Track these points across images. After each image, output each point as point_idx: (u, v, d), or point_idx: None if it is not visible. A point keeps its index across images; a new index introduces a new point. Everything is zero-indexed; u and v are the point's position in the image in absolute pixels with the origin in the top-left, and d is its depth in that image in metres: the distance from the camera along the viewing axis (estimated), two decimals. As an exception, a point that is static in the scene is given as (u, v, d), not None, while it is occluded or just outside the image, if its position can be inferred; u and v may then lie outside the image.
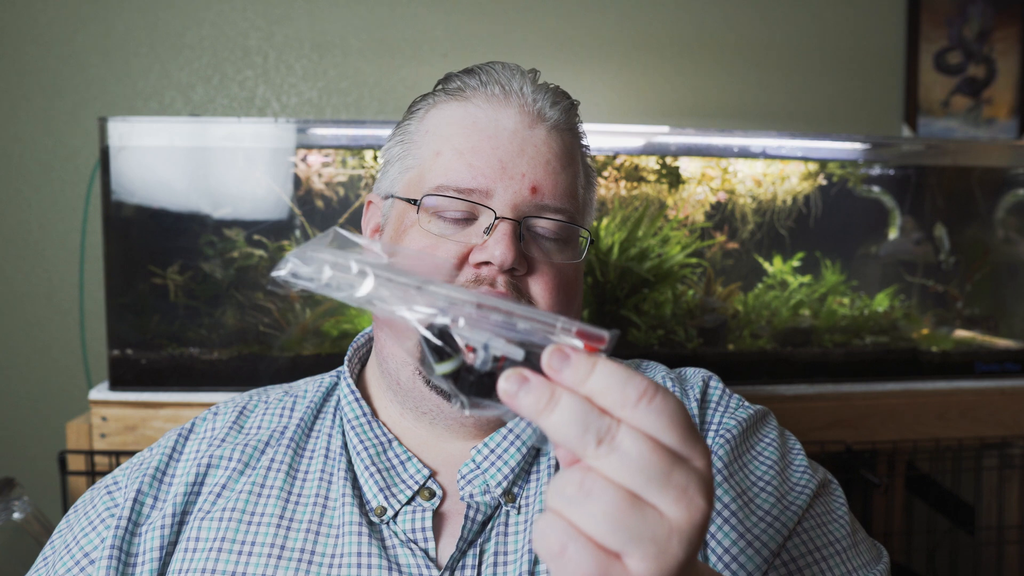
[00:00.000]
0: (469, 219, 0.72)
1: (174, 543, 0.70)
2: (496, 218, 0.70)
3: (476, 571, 0.66)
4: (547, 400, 0.38)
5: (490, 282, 0.70)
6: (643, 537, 0.37)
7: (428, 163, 0.74)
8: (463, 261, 0.71)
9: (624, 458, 0.37)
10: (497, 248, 0.69)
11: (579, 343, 0.40)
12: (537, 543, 0.38)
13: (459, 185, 0.72)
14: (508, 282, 0.70)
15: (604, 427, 0.38)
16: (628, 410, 0.38)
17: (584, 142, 0.82)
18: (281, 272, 0.42)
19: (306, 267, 0.42)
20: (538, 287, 0.72)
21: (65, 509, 1.28)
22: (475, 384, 0.41)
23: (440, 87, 0.78)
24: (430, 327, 0.42)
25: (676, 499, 0.37)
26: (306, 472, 0.73)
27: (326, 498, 0.70)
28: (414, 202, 0.74)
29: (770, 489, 0.72)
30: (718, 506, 0.70)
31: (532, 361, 0.40)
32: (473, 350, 0.42)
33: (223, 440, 0.76)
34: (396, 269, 0.43)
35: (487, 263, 0.70)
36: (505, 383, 0.39)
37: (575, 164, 0.77)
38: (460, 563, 0.66)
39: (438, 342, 0.42)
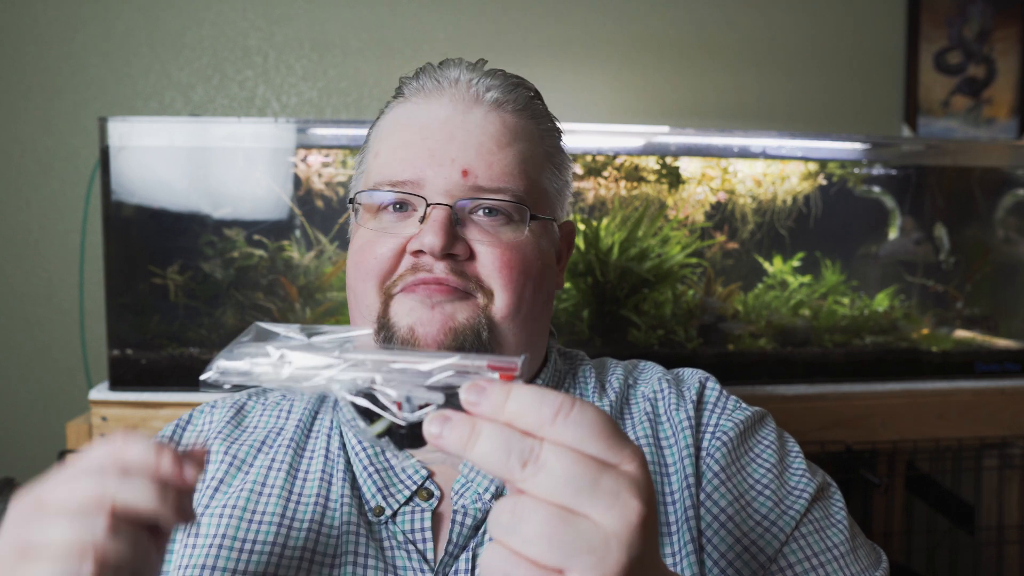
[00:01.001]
0: (408, 213, 0.73)
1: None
2: (427, 205, 0.70)
3: (469, 574, 0.66)
4: (469, 433, 0.39)
5: (428, 269, 0.69)
6: (580, 549, 0.37)
7: (371, 165, 0.76)
8: (402, 252, 0.71)
9: (550, 475, 0.38)
10: (428, 235, 0.68)
11: (494, 375, 0.43)
12: (483, 574, 0.39)
13: (392, 178, 0.72)
14: (449, 268, 0.69)
15: (527, 448, 0.38)
16: (547, 427, 0.39)
17: (548, 124, 0.80)
18: (210, 374, 0.45)
19: (232, 363, 0.45)
20: (485, 268, 0.71)
21: (65, 509, 1.28)
22: (408, 436, 0.44)
23: (394, 94, 0.81)
24: (355, 393, 0.44)
25: (608, 505, 0.38)
26: (307, 472, 0.73)
27: (327, 498, 0.70)
28: (351, 202, 0.75)
29: (768, 493, 0.71)
30: (715, 510, 0.69)
31: (454, 402, 0.42)
32: (400, 405, 0.44)
33: (219, 433, 0.76)
34: (315, 347, 0.46)
35: (422, 251, 0.70)
36: (429, 426, 0.40)
37: (520, 143, 0.74)
38: (453, 568, 0.66)
39: (366, 404, 0.44)
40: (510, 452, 0.38)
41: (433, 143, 0.72)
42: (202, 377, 0.45)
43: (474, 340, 0.69)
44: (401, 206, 0.73)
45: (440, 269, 0.69)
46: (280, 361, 0.44)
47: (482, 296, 0.71)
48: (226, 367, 0.45)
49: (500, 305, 0.71)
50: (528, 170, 0.74)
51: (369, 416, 0.44)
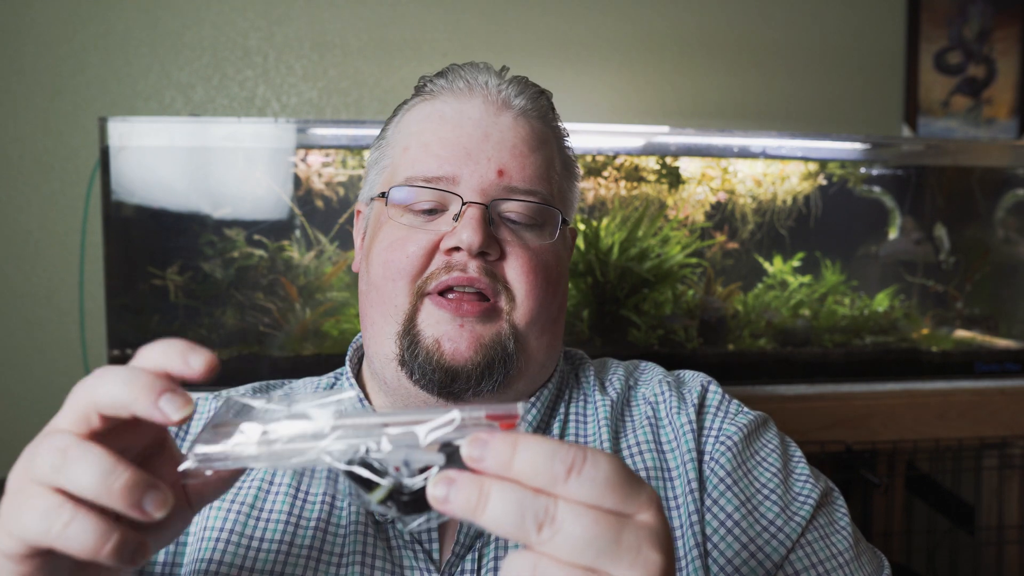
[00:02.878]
0: (439, 210, 0.72)
1: None
2: (463, 203, 0.70)
3: (475, 574, 0.66)
4: (477, 495, 0.37)
5: (461, 268, 0.69)
6: None
7: (398, 160, 0.76)
8: (434, 250, 0.71)
9: (569, 537, 0.37)
10: (464, 231, 0.68)
11: (494, 425, 0.40)
12: None
13: (425, 174, 0.72)
14: (481, 267, 0.69)
15: (541, 509, 0.37)
16: (560, 486, 0.37)
17: (562, 134, 0.82)
18: (188, 464, 0.42)
19: (212, 448, 0.42)
20: (513, 271, 0.71)
21: (65, 509, 1.28)
22: (412, 502, 0.41)
23: (414, 92, 0.80)
24: (349, 462, 0.41)
25: (631, 563, 0.37)
26: (313, 471, 0.73)
27: (334, 497, 0.70)
28: (383, 195, 0.74)
29: (774, 498, 0.71)
30: (721, 515, 0.70)
31: (456, 460, 0.39)
32: (399, 470, 0.41)
33: None
34: (299, 415, 0.42)
35: (457, 248, 0.69)
36: (433, 489, 0.38)
37: (546, 148, 0.77)
38: (459, 567, 0.66)
39: (364, 474, 0.41)
40: (524, 514, 0.37)
41: (468, 141, 0.72)
42: (180, 468, 0.42)
43: (501, 353, 0.69)
44: (431, 209, 0.72)
45: (473, 268, 0.69)
46: (263, 438, 0.41)
47: (506, 301, 0.71)
48: (205, 452, 0.41)
49: (523, 311, 0.71)
50: (552, 176, 0.76)
51: (368, 485, 0.41)
